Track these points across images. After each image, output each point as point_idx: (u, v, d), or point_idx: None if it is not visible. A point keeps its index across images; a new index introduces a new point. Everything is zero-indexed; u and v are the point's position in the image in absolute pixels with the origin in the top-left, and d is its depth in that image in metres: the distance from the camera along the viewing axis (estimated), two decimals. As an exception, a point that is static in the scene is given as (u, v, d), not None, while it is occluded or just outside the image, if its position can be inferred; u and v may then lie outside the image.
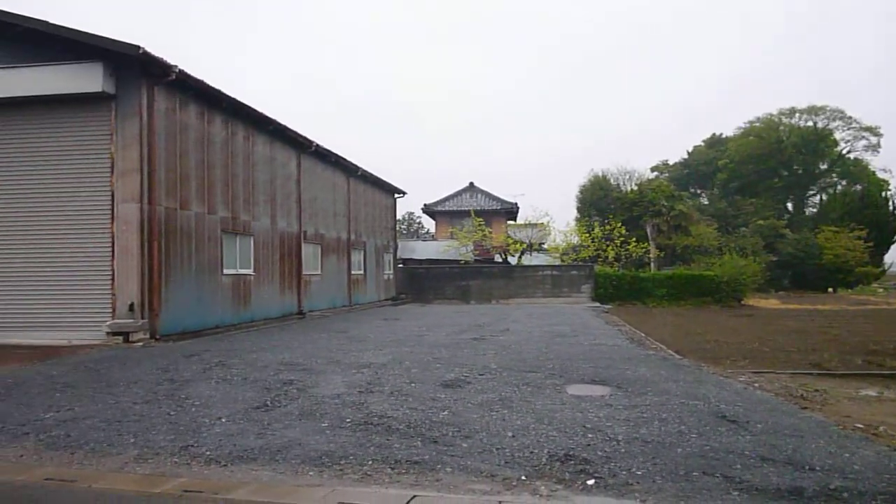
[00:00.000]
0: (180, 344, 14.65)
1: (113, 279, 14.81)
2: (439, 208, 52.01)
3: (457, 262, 41.61)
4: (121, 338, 14.38)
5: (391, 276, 36.74)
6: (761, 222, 54.95)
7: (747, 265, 35.93)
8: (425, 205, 52.36)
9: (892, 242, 55.49)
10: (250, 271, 20.01)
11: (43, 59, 14.88)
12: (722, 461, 6.02)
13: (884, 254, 55.58)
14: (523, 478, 5.76)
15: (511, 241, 43.29)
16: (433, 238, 55.29)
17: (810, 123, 69.60)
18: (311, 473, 6.01)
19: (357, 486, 5.70)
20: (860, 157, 70.33)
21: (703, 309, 31.62)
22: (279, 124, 21.23)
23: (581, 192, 59.18)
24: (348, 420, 7.63)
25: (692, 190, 74.95)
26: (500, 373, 10.63)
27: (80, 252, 15.08)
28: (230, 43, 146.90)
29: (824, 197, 67.22)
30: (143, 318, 14.74)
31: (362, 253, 31.60)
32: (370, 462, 6.22)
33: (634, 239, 41.41)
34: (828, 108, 68.62)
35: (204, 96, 17.30)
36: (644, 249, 41.80)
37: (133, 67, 14.78)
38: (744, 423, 7.38)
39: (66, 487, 5.83)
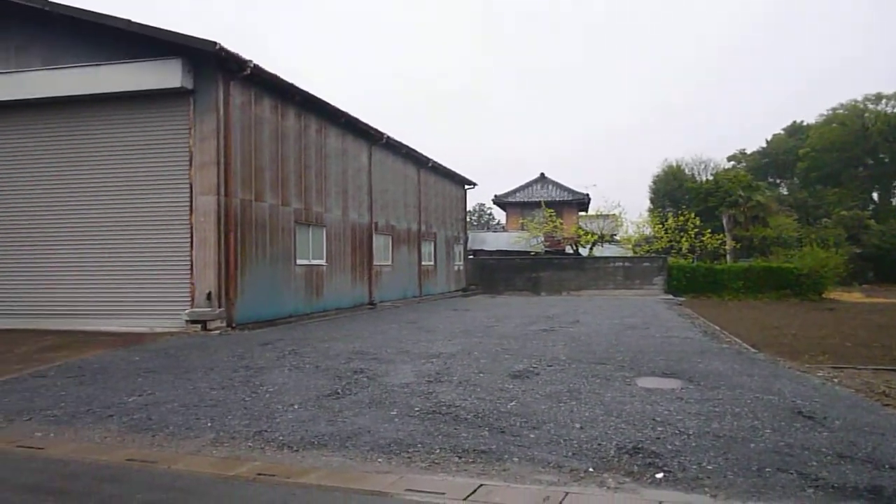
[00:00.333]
0: (255, 332, 15.04)
1: (192, 269, 15.29)
2: (510, 199, 51.86)
3: (527, 253, 41.43)
4: (199, 326, 14.85)
5: (461, 268, 36.85)
6: (844, 213, 52.95)
7: (829, 257, 34.64)
8: (496, 196, 52.29)
9: None
10: (323, 262, 20.37)
11: (123, 57, 15.42)
12: (797, 458, 5.86)
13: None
14: (591, 469, 5.73)
15: (582, 233, 42.86)
16: (504, 229, 55.17)
17: (899, 109, 66.57)
18: (379, 460, 6.11)
19: (424, 473, 5.78)
20: (952, 145, 66.97)
21: (781, 302, 30.70)
22: (351, 117, 21.50)
23: (654, 182, 58.28)
24: (417, 409, 7.72)
25: (771, 180, 72.74)
26: (568, 364, 10.57)
27: (161, 243, 15.61)
28: (302, 37, 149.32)
29: (913, 186, 64.39)
30: (220, 306, 15.17)
31: (433, 244, 31.78)
32: (438, 450, 6.28)
33: (709, 230, 40.47)
34: (917, 94, 65.46)
35: (278, 90, 17.66)
36: (720, 241, 40.76)
37: (210, 63, 15.19)
38: (821, 419, 7.17)
39: (146, 468, 6.07)
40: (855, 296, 35.32)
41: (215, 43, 14.50)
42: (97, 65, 15.54)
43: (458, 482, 5.53)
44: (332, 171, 21.19)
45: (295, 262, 18.62)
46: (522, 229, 45.07)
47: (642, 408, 7.65)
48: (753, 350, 12.93)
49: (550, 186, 51.95)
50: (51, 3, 15.47)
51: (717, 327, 17.26)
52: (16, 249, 16.53)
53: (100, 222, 16.01)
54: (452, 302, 28.66)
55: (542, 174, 52.82)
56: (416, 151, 27.86)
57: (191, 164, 15.37)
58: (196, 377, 9.76)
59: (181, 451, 6.58)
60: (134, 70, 15.30)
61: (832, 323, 19.55)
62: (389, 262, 26.10)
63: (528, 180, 52.88)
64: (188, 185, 15.39)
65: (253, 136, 16.65)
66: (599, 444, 6.33)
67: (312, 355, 11.50)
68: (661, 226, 41.11)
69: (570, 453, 6.13)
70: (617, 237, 44.19)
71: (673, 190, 53.39)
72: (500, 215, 67.45)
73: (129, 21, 14.94)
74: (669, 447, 6.21)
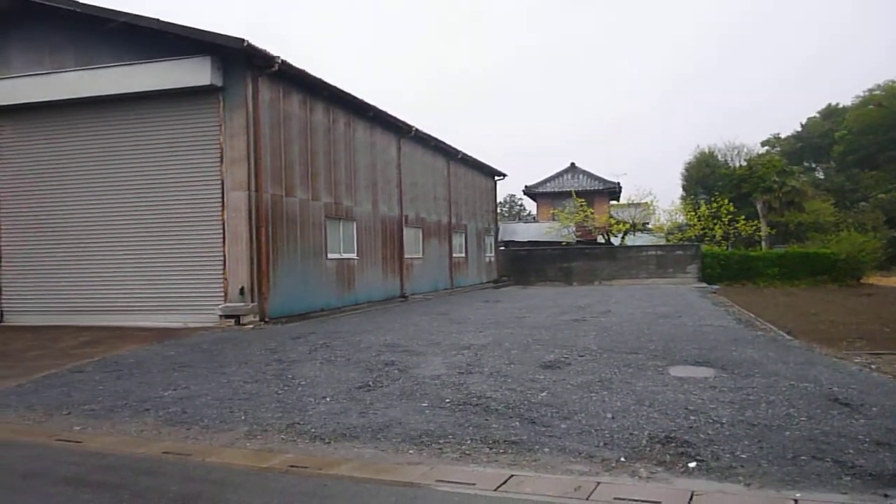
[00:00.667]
0: (287, 326, 15.17)
1: (224, 264, 15.46)
2: (540, 190, 51.61)
3: (558, 243, 41.22)
4: (232, 320, 15.02)
5: (492, 259, 36.79)
6: (883, 196, 51.79)
7: (867, 242, 33.96)
8: (526, 186, 52.08)
9: None
10: (353, 255, 20.47)
11: (153, 56, 15.59)
12: (833, 445, 5.78)
13: None
14: (622, 459, 5.70)
15: (613, 222, 42.53)
16: (535, 220, 54.95)
17: (939, 89, 64.85)
18: (411, 452, 6.14)
19: (455, 464, 5.79)
20: None
21: (818, 289, 30.19)
22: (378, 110, 21.55)
23: (686, 169, 57.59)
24: (448, 400, 7.74)
25: (806, 164, 71.43)
26: (600, 354, 10.52)
27: (194, 239, 15.80)
28: (325, 29, 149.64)
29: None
30: (252, 301, 15.33)
31: (463, 236, 31.77)
32: (468, 441, 6.30)
33: (743, 217, 39.91)
34: (958, 73, 63.68)
35: (305, 85, 17.75)
36: (754, 227, 40.17)
37: (238, 60, 15.31)
38: (858, 406, 7.05)
39: (182, 461, 6.17)
40: (894, 280, 34.63)
41: (243, 40, 14.61)
42: (129, 64, 15.75)
43: (489, 473, 5.54)
44: (361, 165, 21.26)
45: (326, 255, 18.74)
46: (553, 219, 44.85)
47: (674, 397, 7.59)
48: (789, 337, 12.75)
49: (581, 176, 51.60)
50: (82, 4, 15.70)
51: (752, 315, 17.04)
52: (53, 247, 16.85)
53: (134, 219, 16.25)
54: (483, 293, 28.65)
55: (573, 164, 52.48)
56: (444, 143, 27.85)
57: (222, 161, 15.52)
58: (229, 371, 9.88)
59: (215, 443, 6.68)
60: (164, 69, 15.48)
61: (870, 308, 19.19)
62: (420, 255, 26.15)
63: (558, 170, 52.57)
64: (219, 182, 15.55)
65: (282, 132, 16.76)
66: (631, 434, 6.30)
67: (344, 348, 11.57)
68: (693, 213, 40.64)
69: (601, 443, 6.10)
70: (649, 226, 43.79)
71: (705, 177, 52.68)
72: (530, 206, 67.28)
73: (158, 20, 15.11)
74: (702, 436, 6.16)
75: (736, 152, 55.85)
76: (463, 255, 31.60)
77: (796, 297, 25.06)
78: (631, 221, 42.18)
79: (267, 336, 13.43)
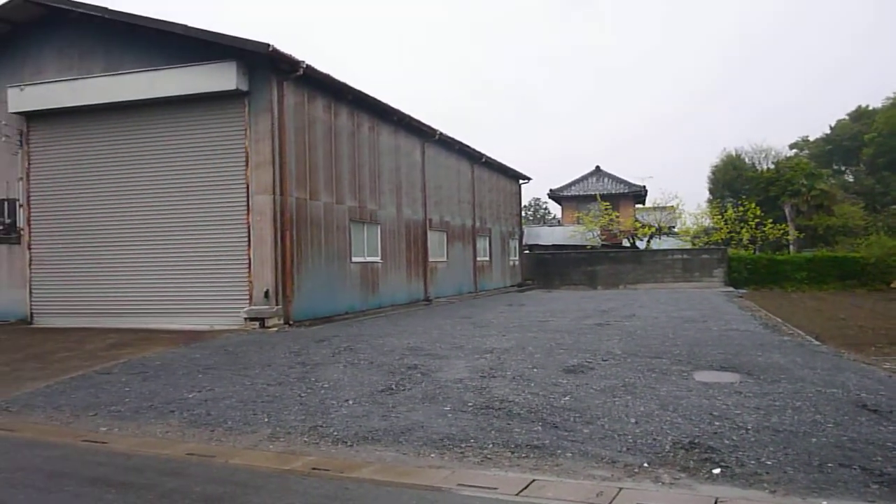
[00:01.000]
0: (312, 329, 15.24)
1: (249, 268, 15.57)
2: (565, 193, 51.41)
3: (583, 247, 41.05)
4: (257, 323, 15.12)
5: (517, 263, 36.72)
6: (914, 199, 51.01)
7: (898, 245, 33.47)
8: (551, 190, 51.91)
9: None
10: (378, 259, 20.53)
11: (179, 61, 15.75)
12: (861, 452, 5.69)
13: None
14: (645, 465, 5.66)
15: (639, 225, 42.27)
16: (559, 223, 54.73)
17: (972, 90, 63.76)
18: (432, 455, 6.14)
19: (477, 468, 5.78)
20: None
21: (847, 293, 29.79)
22: (403, 114, 21.60)
23: (713, 172, 57.02)
24: (470, 404, 7.72)
25: (835, 167, 70.41)
26: (624, 359, 10.44)
27: (220, 243, 15.93)
28: (348, 35, 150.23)
29: None
30: (277, 304, 15.42)
31: (487, 239, 31.75)
32: (490, 445, 6.28)
33: (771, 220, 39.46)
34: None
35: (330, 89, 17.84)
36: (782, 231, 39.73)
37: (263, 64, 15.42)
38: (886, 412, 6.93)
39: (205, 462, 6.22)
40: (925, 285, 34.03)
41: (268, 45, 14.71)
42: (156, 69, 15.92)
43: (511, 477, 5.52)
44: (385, 169, 21.33)
45: (350, 259, 18.81)
46: (578, 223, 44.66)
47: (699, 402, 7.52)
48: (816, 342, 12.59)
49: (606, 179, 51.33)
50: (110, 10, 15.90)
51: (779, 319, 16.85)
52: (82, 250, 17.07)
53: (160, 223, 16.42)
54: (508, 297, 28.58)
55: (598, 167, 52.24)
56: (469, 147, 27.85)
57: (247, 165, 15.64)
58: (253, 373, 9.94)
59: (239, 445, 6.73)
60: (191, 74, 15.64)
61: (901, 314, 18.89)
62: (444, 258, 26.16)
63: (583, 173, 52.31)
64: (245, 185, 15.66)
65: (307, 136, 16.86)
66: (654, 439, 6.24)
67: (367, 351, 11.60)
68: (720, 216, 40.26)
69: (624, 448, 6.06)
70: (675, 229, 43.44)
71: (732, 180, 52.11)
72: (555, 209, 67.01)
73: (185, 26, 15.27)
74: (727, 442, 6.09)
75: (763, 155, 55.16)
76: (487, 258, 31.57)
77: (824, 301, 24.75)
78: (656, 225, 41.90)
79: (291, 339, 13.50)
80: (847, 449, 5.78)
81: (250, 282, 15.53)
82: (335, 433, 6.86)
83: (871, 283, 32.13)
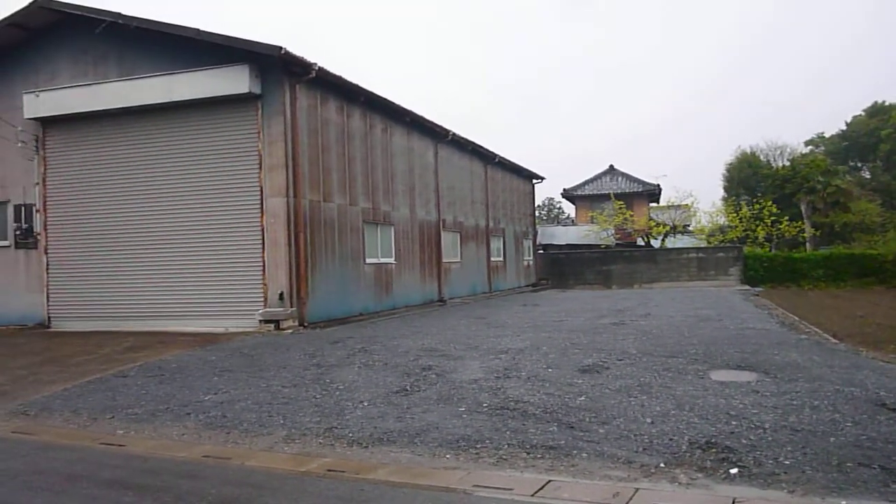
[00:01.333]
0: (326, 331, 15.27)
1: (264, 270, 15.62)
2: (578, 192, 51.29)
3: (597, 246, 40.94)
4: (272, 325, 15.16)
5: (531, 262, 36.66)
6: (932, 194, 50.50)
7: (916, 242, 33.20)
8: (564, 189, 51.80)
9: None
10: (391, 260, 20.55)
11: (192, 64, 15.80)
12: (880, 452, 5.63)
13: None
14: (662, 465, 5.62)
15: (653, 224, 42.09)
16: (573, 223, 54.58)
17: None
18: (447, 456, 6.13)
19: (492, 469, 5.77)
20: None
21: (865, 291, 29.54)
22: (415, 115, 21.62)
23: (728, 170, 56.72)
24: (485, 405, 7.71)
25: (852, 163, 69.85)
26: (639, 358, 10.39)
27: (234, 245, 15.99)
28: (357, 36, 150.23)
29: None
30: (292, 306, 15.46)
31: (501, 239, 31.71)
32: (506, 446, 6.27)
33: (787, 218, 39.19)
34: None
35: (343, 91, 17.88)
36: (798, 229, 39.44)
37: (276, 67, 15.47)
38: (907, 411, 6.86)
39: (221, 464, 6.25)
40: (945, 282, 33.69)
41: (280, 48, 14.76)
42: (169, 74, 16.00)
43: (527, 478, 5.51)
44: (398, 170, 21.35)
45: (364, 260, 18.83)
46: (592, 222, 44.51)
47: (716, 401, 7.47)
48: (834, 340, 12.48)
49: (620, 178, 51.16)
50: (124, 16, 16.00)
51: (796, 317, 16.72)
52: (97, 255, 17.17)
53: (175, 227, 16.50)
54: (522, 297, 28.53)
55: (611, 166, 52.08)
56: (482, 147, 27.83)
57: (260, 167, 15.69)
58: (269, 375, 9.97)
59: (254, 447, 6.75)
60: (204, 77, 15.70)
61: (920, 311, 18.70)
62: (458, 259, 26.15)
63: (596, 173, 52.19)
64: (258, 188, 15.72)
65: (320, 138, 16.90)
66: (671, 439, 6.21)
67: (382, 353, 11.61)
68: (735, 214, 40.03)
69: (640, 448, 6.03)
70: (690, 227, 43.24)
71: (747, 177, 51.83)
72: (569, 209, 66.81)
73: (198, 30, 15.34)
74: (744, 442, 6.04)
75: (778, 152, 54.85)
76: (501, 258, 31.53)
77: (842, 299, 24.54)
78: (671, 223, 41.71)
79: (306, 341, 13.54)
80: (866, 448, 5.73)
81: (265, 284, 15.58)
82: (350, 435, 6.87)
83: (889, 280, 31.83)
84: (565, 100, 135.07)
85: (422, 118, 22.06)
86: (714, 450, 5.87)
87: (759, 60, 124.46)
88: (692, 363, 9.87)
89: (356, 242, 18.45)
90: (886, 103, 70.39)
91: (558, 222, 68.43)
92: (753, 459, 5.59)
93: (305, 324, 15.66)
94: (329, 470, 5.92)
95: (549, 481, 5.39)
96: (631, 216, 42.13)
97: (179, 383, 9.78)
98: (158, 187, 16.65)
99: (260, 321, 15.30)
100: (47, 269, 17.66)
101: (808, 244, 42.27)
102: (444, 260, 24.51)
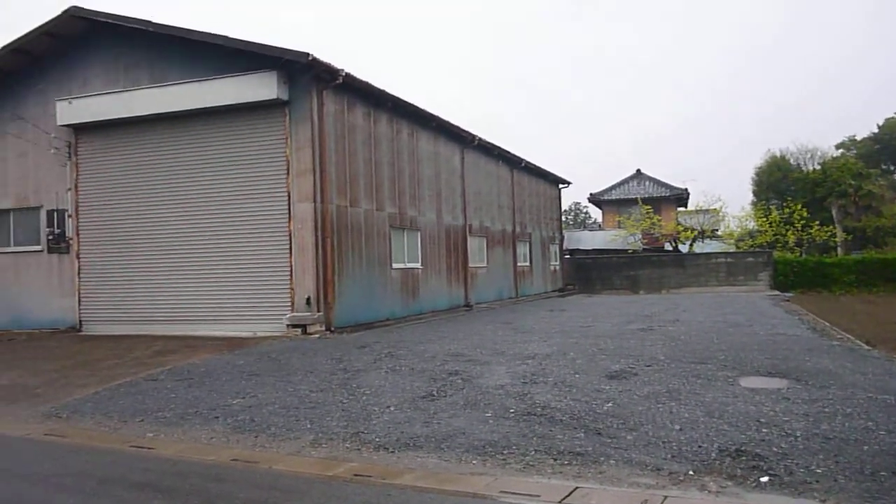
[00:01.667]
0: (353, 335, 15.32)
1: (291, 275, 15.72)
2: (605, 197, 51.06)
3: (625, 251, 40.70)
4: (299, 330, 15.26)
5: (557, 267, 36.53)
6: (966, 199, 49.56)
7: (952, 247, 32.59)
8: (591, 194, 51.60)
9: None
10: (418, 265, 20.58)
11: (221, 71, 15.96)
12: (915, 461, 5.53)
13: None
14: (691, 472, 5.57)
15: (681, 229, 41.74)
16: (600, 228, 54.34)
17: None
18: (474, 462, 6.12)
19: (519, 475, 5.75)
20: None
21: (898, 296, 29.03)
22: (442, 120, 21.65)
23: (757, 174, 56.19)
24: (512, 410, 7.69)
25: (884, 167, 68.76)
26: (667, 364, 10.30)
27: (262, 250, 16.12)
28: (383, 43, 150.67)
29: None
30: (318, 311, 15.53)
31: (528, 244, 31.64)
32: (533, 452, 6.24)
33: (817, 222, 38.68)
34: None
35: (369, 97, 17.96)
36: (829, 233, 38.92)
37: (303, 74, 15.58)
38: (943, 420, 6.73)
39: (249, 468, 6.29)
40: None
41: (308, 54, 14.86)
42: (199, 81, 16.17)
43: (554, 484, 5.48)
44: (424, 175, 21.39)
45: (391, 265, 18.88)
46: (619, 227, 44.28)
47: (745, 408, 7.37)
48: (867, 347, 12.28)
49: (647, 182, 50.85)
50: (154, 24, 16.22)
51: (827, 323, 16.48)
52: (127, 259, 17.40)
53: (205, 232, 16.67)
54: (549, 302, 28.43)
55: (639, 170, 51.79)
56: (508, 152, 27.80)
57: (288, 173, 15.81)
58: (296, 380, 10.02)
59: (282, 451, 6.78)
60: (233, 84, 15.86)
61: (956, 318, 18.35)
62: (485, 264, 26.13)
63: (624, 177, 51.94)
64: (286, 193, 15.83)
65: (347, 143, 16.99)
66: (700, 447, 6.14)
67: (408, 357, 11.62)
68: (765, 219, 39.59)
69: (668, 455, 5.97)
70: (718, 232, 42.84)
71: (777, 181, 51.32)
72: (596, 214, 66.55)
73: (226, 37, 15.51)
74: (775, 449, 5.96)
75: (809, 156, 54.21)
76: (527, 263, 31.45)
77: (875, 305, 24.16)
78: (699, 228, 41.34)
79: (332, 345, 13.59)
80: (901, 457, 5.63)
81: (292, 289, 15.68)
82: (377, 439, 6.88)
83: (924, 285, 31.28)
84: (591, 103, 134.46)
85: (448, 123, 22.10)
86: (744, 457, 5.80)
87: (790, 62, 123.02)
88: (721, 369, 9.76)
89: (383, 247, 18.50)
90: (920, 105, 68.90)
91: (585, 227, 68.18)
92: (784, 468, 5.51)
93: (332, 328, 15.72)
94: (356, 475, 5.93)
95: (577, 488, 5.35)
96: (659, 221, 41.84)
97: (208, 387, 9.87)
98: (188, 192, 16.83)
99: (287, 326, 15.39)
100: (79, 273, 17.92)
101: (839, 249, 41.70)
102: (471, 265, 24.51)
